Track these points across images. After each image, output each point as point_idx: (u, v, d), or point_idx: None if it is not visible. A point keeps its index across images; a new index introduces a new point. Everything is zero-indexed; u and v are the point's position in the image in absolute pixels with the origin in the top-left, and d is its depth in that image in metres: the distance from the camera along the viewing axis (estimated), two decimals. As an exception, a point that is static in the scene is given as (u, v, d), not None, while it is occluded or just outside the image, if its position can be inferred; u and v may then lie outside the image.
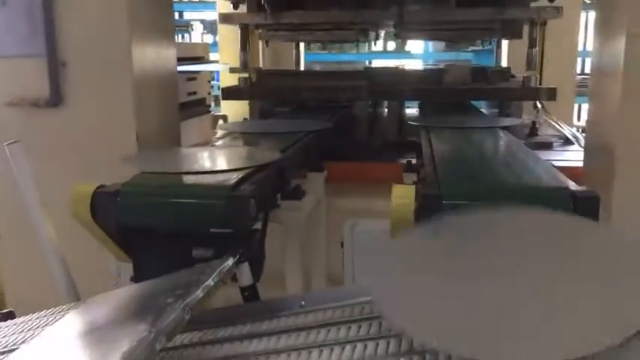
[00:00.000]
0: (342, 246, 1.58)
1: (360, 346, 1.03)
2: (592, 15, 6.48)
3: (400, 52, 9.80)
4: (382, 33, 4.04)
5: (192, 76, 3.86)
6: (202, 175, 1.42)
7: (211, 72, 4.72)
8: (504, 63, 4.12)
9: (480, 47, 7.23)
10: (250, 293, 1.29)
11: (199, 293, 1.07)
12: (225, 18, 2.96)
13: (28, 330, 1.16)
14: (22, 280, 2.37)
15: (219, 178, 1.37)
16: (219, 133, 2.78)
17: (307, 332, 1.13)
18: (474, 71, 3.03)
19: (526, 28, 2.91)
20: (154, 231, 1.35)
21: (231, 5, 3.03)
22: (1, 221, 2.42)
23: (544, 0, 2.74)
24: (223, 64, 4.84)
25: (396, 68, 3.25)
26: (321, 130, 1.95)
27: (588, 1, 5.82)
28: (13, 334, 1.17)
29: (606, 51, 2.08)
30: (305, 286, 1.66)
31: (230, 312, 1.24)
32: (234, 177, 1.37)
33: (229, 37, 4.94)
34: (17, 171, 1.34)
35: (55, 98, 2.21)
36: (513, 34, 2.98)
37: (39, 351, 0.97)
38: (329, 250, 1.86)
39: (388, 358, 0.96)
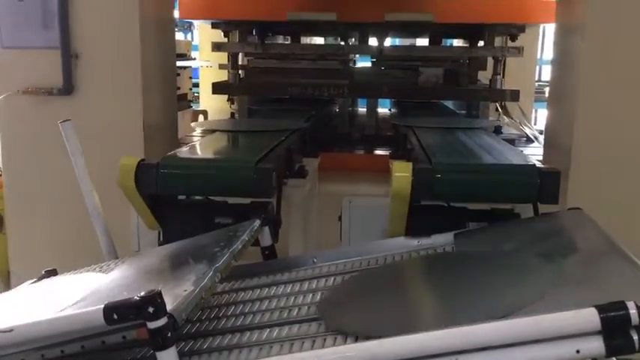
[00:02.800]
0: (340, 219, 1.82)
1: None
2: (549, 26, 6.90)
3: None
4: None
5: (176, 72, 4.05)
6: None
7: (191, 68, 4.91)
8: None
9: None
10: (270, 252, 1.52)
11: (239, 244, 1.30)
12: (217, 46, 3.23)
13: (90, 277, 1.37)
14: (27, 255, 2.53)
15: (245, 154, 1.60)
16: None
17: (317, 280, 1.37)
18: (445, 74, 3.31)
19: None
20: (184, 201, 1.57)
21: (222, 33, 3.32)
22: (9, 200, 2.58)
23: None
24: (205, 62, 5.04)
25: (375, 68, 3.51)
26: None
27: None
28: (76, 281, 1.38)
29: (564, 58, 2.39)
30: (304, 252, 1.90)
31: (255, 267, 1.47)
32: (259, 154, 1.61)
33: (209, 36, 5.16)
34: (69, 145, 1.54)
35: (68, 87, 2.39)
36: (479, 67, 3.34)
37: (116, 282, 1.18)
38: (321, 223, 2.11)
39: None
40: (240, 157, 1.61)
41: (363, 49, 3.43)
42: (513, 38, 3.14)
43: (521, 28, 3.03)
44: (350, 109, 3.59)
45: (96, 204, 1.55)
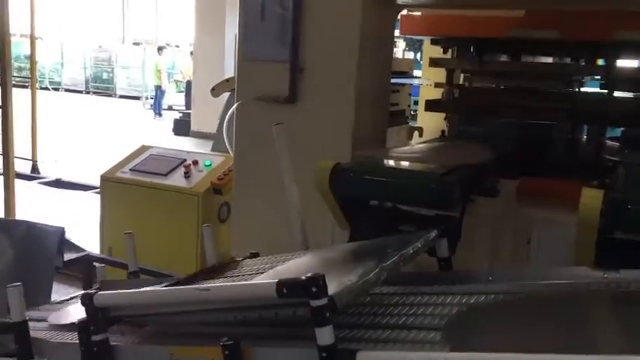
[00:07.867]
0: (528, 242, 1.78)
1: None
2: None
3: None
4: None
5: (395, 89, 4.22)
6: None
7: (411, 86, 5.06)
8: None
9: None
10: (446, 264, 1.56)
11: (409, 250, 1.38)
12: (434, 62, 3.28)
13: (280, 261, 1.56)
14: (244, 241, 2.88)
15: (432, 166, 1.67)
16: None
17: (485, 296, 1.37)
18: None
19: None
20: (373, 205, 1.70)
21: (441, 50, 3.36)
22: (236, 192, 2.98)
23: None
24: (426, 80, 5.16)
25: (602, 94, 3.26)
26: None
27: None
28: (269, 262, 1.59)
29: None
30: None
31: (429, 275, 1.53)
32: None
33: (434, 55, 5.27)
34: (279, 146, 1.76)
35: (292, 97, 2.69)
36: None
37: (294, 266, 1.34)
38: (510, 245, 2.06)
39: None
40: (425, 169, 1.68)
41: (588, 68, 3.15)
42: None
43: None
44: (570, 136, 3.38)
45: (293, 198, 1.74)
